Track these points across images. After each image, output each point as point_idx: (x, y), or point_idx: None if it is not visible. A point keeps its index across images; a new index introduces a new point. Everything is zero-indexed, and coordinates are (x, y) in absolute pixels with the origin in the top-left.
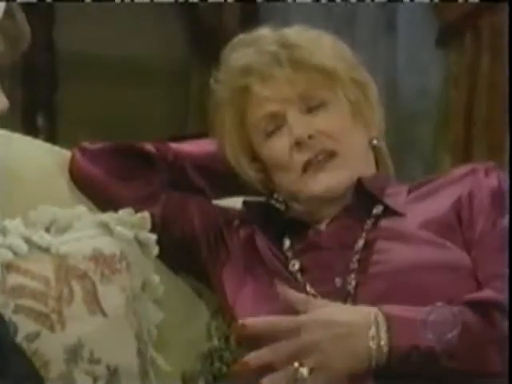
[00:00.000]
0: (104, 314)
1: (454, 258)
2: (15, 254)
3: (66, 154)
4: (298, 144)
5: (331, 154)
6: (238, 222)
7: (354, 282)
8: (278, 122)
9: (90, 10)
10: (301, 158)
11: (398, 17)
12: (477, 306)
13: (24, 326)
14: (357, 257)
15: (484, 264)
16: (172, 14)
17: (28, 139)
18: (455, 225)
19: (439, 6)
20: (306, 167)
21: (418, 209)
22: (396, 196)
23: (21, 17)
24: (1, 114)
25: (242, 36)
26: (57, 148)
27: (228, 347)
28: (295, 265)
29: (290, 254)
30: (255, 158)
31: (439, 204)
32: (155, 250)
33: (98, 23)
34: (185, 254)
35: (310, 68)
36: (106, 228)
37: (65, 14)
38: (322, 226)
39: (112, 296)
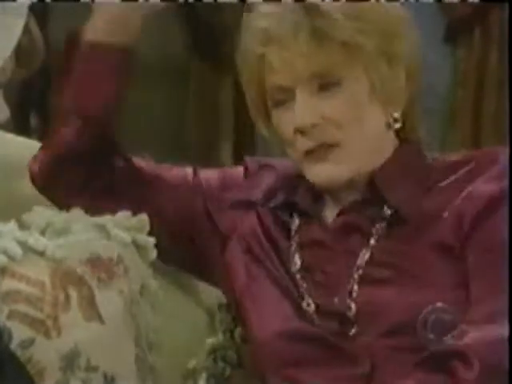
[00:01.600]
0: (101, 320)
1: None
2: (10, 258)
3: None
4: (301, 131)
5: (335, 145)
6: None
7: (354, 308)
8: (287, 95)
9: (86, 8)
10: (302, 144)
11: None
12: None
13: (18, 333)
14: (360, 272)
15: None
16: (171, 13)
17: (21, 139)
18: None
19: (447, 2)
20: (308, 153)
21: (432, 217)
22: (411, 196)
23: (36, 33)
24: (1, 123)
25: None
26: None
27: (233, 343)
28: (296, 263)
29: (294, 245)
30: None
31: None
32: (153, 254)
33: None
34: (176, 246)
35: (330, 42)
36: (102, 231)
37: (60, 12)
38: (329, 219)
39: (109, 301)
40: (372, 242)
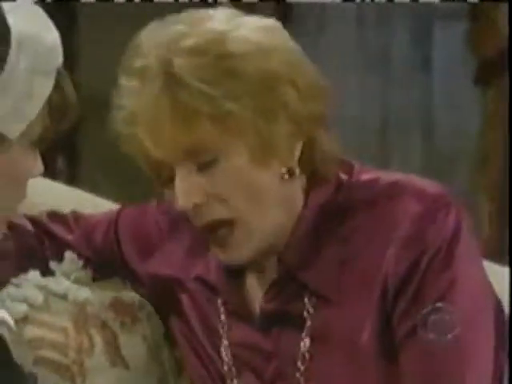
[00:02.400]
0: (126, 365)
1: None
2: (30, 305)
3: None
4: (187, 212)
5: (229, 224)
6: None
7: None
8: (170, 173)
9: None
10: (195, 221)
11: (434, 53)
12: None
13: (44, 379)
14: (298, 374)
15: None
16: None
17: (47, 182)
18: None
19: (477, 42)
20: (204, 230)
21: (353, 284)
22: (325, 271)
23: (69, 90)
24: (33, 178)
25: (133, 49)
26: (77, 191)
27: None
28: (225, 359)
29: (223, 339)
30: None
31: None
32: None
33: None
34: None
35: (196, 116)
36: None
37: (86, 56)
38: (256, 299)
39: (133, 346)
40: (305, 333)
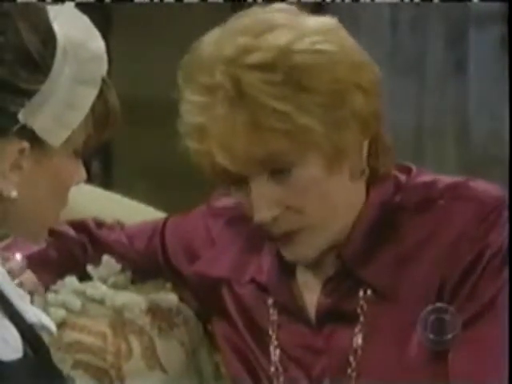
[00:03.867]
0: (163, 370)
1: None
2: (69, 310)
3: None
4: (263, 225)
5: (300, 229)
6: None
7: None
8: (241, 178)
9: (150, 55)
10: (268, 233)
11: (468, 56)
12: None
13: (82, 382)
14: (349, 369)
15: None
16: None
17: (91, 188)
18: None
19: None
20: (274, 237)
21: (408, 279)
22: (384, 268)
23: (113, 103)
24: (76, 185)
25: (195, 60)
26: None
27: None
28: (277, 348)
29: (273, 339)
30: None
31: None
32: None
33: (159, 68)
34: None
35: (271, 132)
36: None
37: (123, 58)
38: (310, 298)
39: (171, 351)
40: (358, 328)
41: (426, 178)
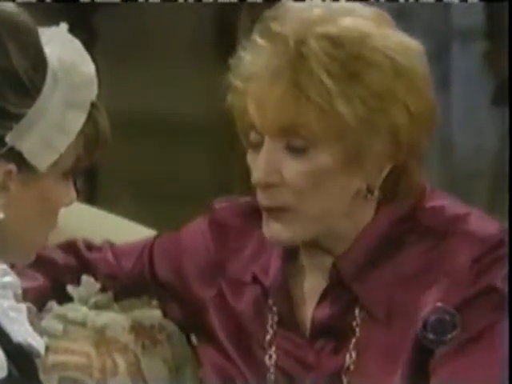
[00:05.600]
0: None
1: None
2: (51, 336)
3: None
4: (258, 186)
5: (287, 210)
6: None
7: None
8: (260, 140)
9: (135, 70)
10: (260, 199)
11: (451, 71)
12: None
13: None
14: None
15: None
16: (214, 73)
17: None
18: None
19: (495, 62)
20: (264, 208)
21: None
22: (380, 287)
23: (103, 122)
24: (66, 207)
25: (277, 10)
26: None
27: None
28: (272, 357)
29: (271, 333)
30: None
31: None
32: None
33: (143, 83)
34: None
35: (306, 102)
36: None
37: (105, 73)
38: (308, 308)
39: (155, 368)
40: (352, 347)
41: (437, 202)
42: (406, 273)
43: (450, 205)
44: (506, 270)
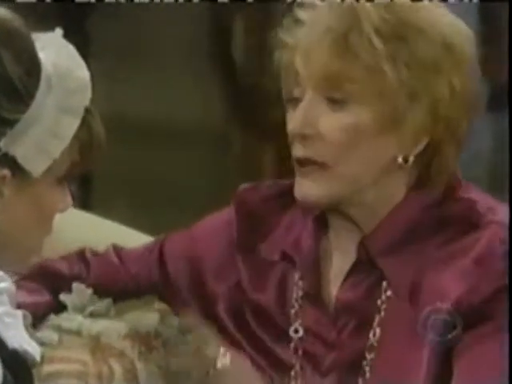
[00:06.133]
0: None
1: None
2: (46, 345)
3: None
4: (293, 137)
5: (320, 166)
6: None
7: None
8: (302, 94)
9: (130, 76)
10: (294, 150)
11: None
12: None
13: None
14: (365, 362)
15: None
16: (210, 77)
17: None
18: None
19: (489, 69)
20: (298, 163)
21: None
22: (403, 265)
23: (97, 128)
24: (61, 212)
25: None
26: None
27: None
28: (298, 331)
29: (296, 307)
30: None
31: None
32: (178, 319)
33: (137, 89)
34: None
35: (353, 58)
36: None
37: (100, 78)
38: (333, 286)
39: (150, 374)
40: (376, 322)
41: (472, 195)
42: (434, 256)
43: (484, 198)
44: None
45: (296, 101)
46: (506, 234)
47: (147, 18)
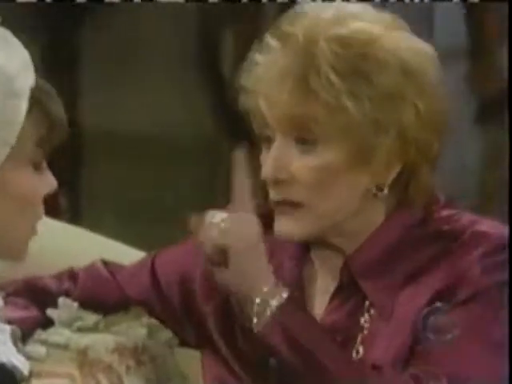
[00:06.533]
0: None
1: None
2: (33, 359)
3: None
4: (267, 182)
5: (296, 205)
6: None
7: None
8: (272, 135)
9: (117, 87)
10: (271, 194)
11: None
12: None
13: None
14: None
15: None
16: (199, 89)
17: (50, 222)
18: None
19: (476, 81)
20: (275, 204)
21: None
22: (386, 287)
23: (52, 104)
24: (49, 194)
25: (293, 15)
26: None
27: None
28: None
29: None
30: None
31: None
32: (166, 334)
33: (126, 101)
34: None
35: (315, 99)
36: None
37: (89, 92)
38: (319, 308)
39: None
40: (359, 340)
41: (452, 211)
42: (415, 272)
43: (465, 214)
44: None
45: (269, 139)
46: (491, 245)
47: (136, 33)
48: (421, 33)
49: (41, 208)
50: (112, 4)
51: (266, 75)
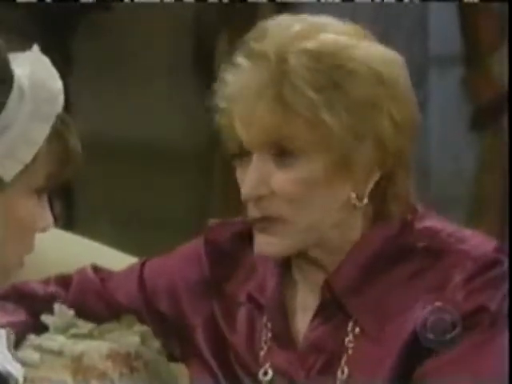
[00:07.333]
0: None
1: None
2: (28, 365)
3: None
4: (248, 200)
5: (276, 221)
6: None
7: None
8: (248, 152)
9: (111, 94)
10: (250, 211)
11: (429, 98)
12: None
13: None
14: None
15: None
16: (193, 95)
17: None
18: None
19: (472, 88)
20: (255, 221)
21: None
22: (372, 302)
23: (71, 138)
24: (43, 231)
25: (258, 31)
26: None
27: None
28: (267, 373)
29: (265, 349)
30: None
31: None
32: (158, 342)
33: (120, 107)
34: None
35: (292, 114)
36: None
37: (81, 97)
38: (302, 325)
39: None
40: (344, 360)
41: (431, 222)
42: (398, 290)
43: (445, 225)
44: (501, 290)
45: (244, 162)
46: (474, 267)
47: (129, 39)
48: (415, 39)
49: (33, 241)
50: (107, 9)
51: (240, 95)
